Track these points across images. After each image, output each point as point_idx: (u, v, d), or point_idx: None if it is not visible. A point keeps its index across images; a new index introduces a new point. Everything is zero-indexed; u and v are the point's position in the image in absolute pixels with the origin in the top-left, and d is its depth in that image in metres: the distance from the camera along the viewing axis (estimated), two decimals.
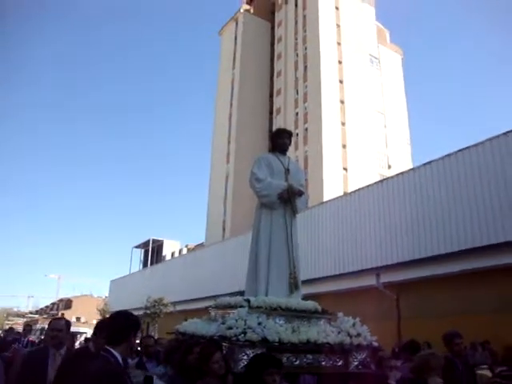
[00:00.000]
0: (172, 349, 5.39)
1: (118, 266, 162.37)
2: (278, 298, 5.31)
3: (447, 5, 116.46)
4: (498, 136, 14.25)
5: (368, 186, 19.14)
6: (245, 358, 4.44)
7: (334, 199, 21.61)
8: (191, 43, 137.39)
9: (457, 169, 15.15)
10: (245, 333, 4.55)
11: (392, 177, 18.97)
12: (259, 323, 4.72)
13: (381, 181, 19.35)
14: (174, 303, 28.96)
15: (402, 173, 18.08)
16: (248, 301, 5.18)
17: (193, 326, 5.77)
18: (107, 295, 52.11)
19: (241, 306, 5.08)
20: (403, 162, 45.67)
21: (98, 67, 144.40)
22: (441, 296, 14.82)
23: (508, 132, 13.94)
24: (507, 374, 5.01)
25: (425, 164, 16.63)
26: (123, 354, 2.99)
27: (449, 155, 15.53)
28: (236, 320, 4.71)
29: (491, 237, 13.53)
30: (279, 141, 6.16)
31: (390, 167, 46.23)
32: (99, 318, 44.05)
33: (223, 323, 4.89)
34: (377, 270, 16.97)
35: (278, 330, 4.74)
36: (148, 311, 27.75)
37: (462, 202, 14.58)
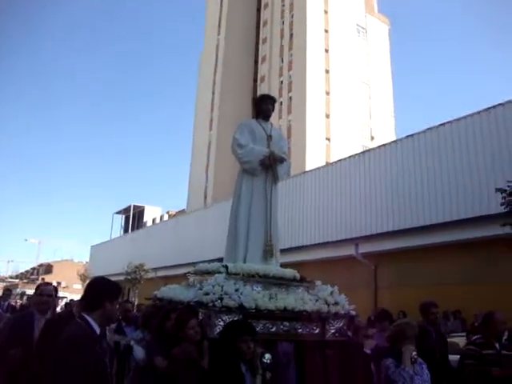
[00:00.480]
0: (150, 314, 5.38)
1: (99, 231, 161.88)
2: (256, 265, 5.29)
3: None
4: (479, 112, 14.36)
5: (350, 157, 19.18)
6: (221, 324, 4.43)
7: (315, 169, 21.62)
8: (176, 6, 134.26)
9: (437, 143, 15.26)
10: (221, 299, 4.53)
11: (374, 148, 19.05)
12: (236, 289, 4.70)
13: (363, 152, 19.42)
14: (155, 269, 29.00)
15: (384, 145, 18.15)
16: (226, 267, 5.15)
17: (171, 291, 5.74)
18: (88, 260, 52.07)
19: (219, 272, 5.05)
20: (386, 134, 45.68)
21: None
22: (417, 267, 15.09)
23: (490, 108, 14.03)
24: (481, 342, 5.09)
25: (407, 137, 16.71)
26: (98, 320, 2.91)
27: (430, 129, 15.63)
28: (213, 286, 4.68)
29: (468, 211, 13.73)
30: (263, 107, 6.05)
31: (373, 139, 46.27)
32: (80, 283, 44.15)
33: (200, 289, 4.85)
34: (356, 240, 17.19)
35: (255, 296, 4.72)
36: (129, 277, 27.77)
37: (442, 176, 14.73)
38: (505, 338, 5.76)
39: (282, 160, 5.79)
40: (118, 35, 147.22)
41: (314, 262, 17.85)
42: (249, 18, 55.87)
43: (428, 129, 15.72)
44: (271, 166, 5.68)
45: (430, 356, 4.65)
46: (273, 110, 6.13)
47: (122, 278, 26.97)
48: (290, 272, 5.48)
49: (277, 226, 5.77)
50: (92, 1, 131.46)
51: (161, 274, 29.05)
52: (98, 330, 2.89)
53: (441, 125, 15.36)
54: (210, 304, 4.51)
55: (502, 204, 10.00)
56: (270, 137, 5.85)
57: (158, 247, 32.33)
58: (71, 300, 17.27)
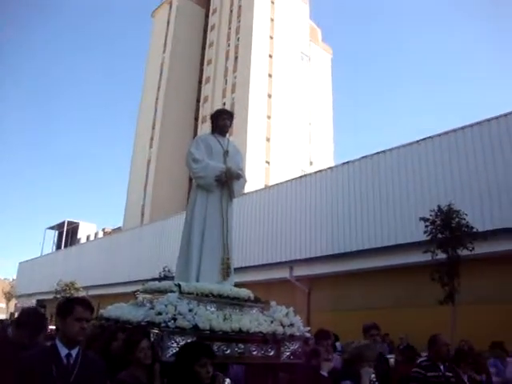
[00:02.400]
0: (94, 335, 5.03)
1: (28, 247, 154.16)
2: (210, 284, 5.08)
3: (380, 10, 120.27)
4: (411, 143, 15.06)
5: (288, 181, 19.50)
6: (174, 345, 4.19)
7: (254, 191, 21.76)
8: (122, 24, 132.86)
9: (371, 171, 15.84)
10: (175, 319, 4.28)
11: (311, 174, 19.47)
12: (190, 310, 4.47)
13: (300, 177, 19.74)
14: (88, 287, 28.01)
15: (320, 170, 18.65)
16: (179, 286, 4.91)
17: (118, 310, 5.42)
18: (15, 278, 49.55)
19: (171, 291, 4.81)
20: (325, 160, 46.68)
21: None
22: (348, 291, 15.43)
23: (420, 140, 14.72)
24: (427, 364, 5.12)
25: (343, 164, 17.22)
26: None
27: (365, 157, 16.18)
28: (166, 305, 4.43)
29: (397, 238, 14.21)
30: (219, 122, 5.91)
31: (311, 164, 47.11)
32: (4, 301, 41.73)
33: (152, 308, 4.60)
34: (291, 264, 17.40)
35: (210, 317, 4.51)
36: (58, 296, 26.59)
37: (374, 203, 15.27)
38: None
39: (238, 176, 5.65)
40: (55, 48, 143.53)
41: (252, 283, 17.73)
42: (195, 38, 56.10)
43: (363, 157, 16.31)
44: (227, 182, 5.53)
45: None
46: (230, 125, 6.02)
47: (51, 296, 25.83)
48: (244, 292, 5.31)
49: (232, 245, 5.60)
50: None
51: (93, 292, 28.07)
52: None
53: (375, 154, 15.93)
54: (163, 324, 4.25)
55: (424, 232, 10.53)
56: (226, 152, 5.71)
57: (91, 265, 31.36)
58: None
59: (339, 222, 16.00)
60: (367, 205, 15.37)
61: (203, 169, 5.52)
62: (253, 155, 42.79)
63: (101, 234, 59.09)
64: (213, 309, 4.85)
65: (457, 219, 10.27)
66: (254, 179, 40.42)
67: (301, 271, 17.15)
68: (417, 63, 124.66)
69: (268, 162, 44.36)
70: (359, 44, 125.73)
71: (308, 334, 5.25)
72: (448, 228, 10.22)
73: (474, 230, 10.22)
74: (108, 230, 60.59)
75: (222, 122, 5.90)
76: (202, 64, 55.10)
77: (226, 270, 5.37)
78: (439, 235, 10.33)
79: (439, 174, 13.91)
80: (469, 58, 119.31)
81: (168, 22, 56.93)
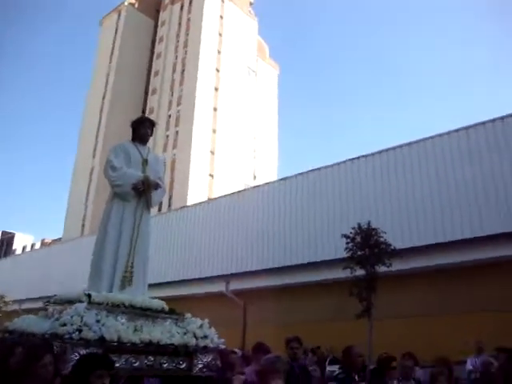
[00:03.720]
0: None
1: None
2: (122, 295, 4.95)
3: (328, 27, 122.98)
4: (352, 159, 15.43)
5: (229, 195, 19.50)
6: (77, 358, 4.03)
7: (196, 204, 21.70)
8: (69, 28, 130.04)
9: (307, 186, 16.15)
10: (80, 330, 4.13)
11: (249, 189, 19.65)
12: (97, 320, 4.33)
13: (239, 191, 19.82)
14: (21, 301, 26.90)
15: (258, 186, 18.79)
16: (89, 296, 4.76)
17: (25, 322, 5.17)
18: None
19: (80, 301, 4.65)
20: (268, 174, 47.03)
21: None
22: (283, 305, 15.49)
23: (361, 156, 15.19)
24: (343, 377, 5.16)
25: (280, 180, 17.50)
26: None
27: (301, 174, 16.56)
28: (71, 316, 4.27)
29: (324, 253, 14.57)
30: (141, 130, 5.80)
31: (255, 178, 47.39)
32: None
33: (57, 319, 4.42)
34: (227, 278, 17.33)
35: (118, 328, 4.38)
36: None
37: (309, 219, 15.55)
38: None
39: (156, 186, 5.56)
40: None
41: (189, 297, 17.57)
42: (143, 49, 55.67)
43: (299, 174, 16.58)
44: (144, 191, 5.44)
45: None
46: (151, 135, 5.94)
47: None
48: (157, 303, 5.19)
49: (143, 255, 5.45)
50: None
51: (27, 306, 26.96)
52: None
53: (310, 171, 16.32)
54: (67, 336, 4.08)
55: (345, 249, 10.81)
56: (145, 161, 5.61)
57: (25, 277, 30.14)
58: None
59: (275, 237, 16.15)
60: (302, 220, 15.65)
61: (120, 177, 5.41)
62: (197, 168, 42.69)
63: (38, 246, 57.28)
64: (123, 320, 4.69)
65: (376, 237, 10.55)
66: (198, 191, 40.30)
67: (237, 285, 17.12)
68: (363, 72, 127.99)
69: (212, 176, 44.34)
70: (305, 59, 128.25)
71: (223, 346, 5.18)
72: (367, 245, 10.50)
73: (392, 247, 10.54)
74: (48, 240, 58.75)
75: (144, 130, 5.81)
76: (148, 75, 54.66)
77: (128, 280, 5.23)
78: (359, 252, 10.59)
79: (370, 193, 14.40)
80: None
81: (116, 31, 56.24)
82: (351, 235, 10.76)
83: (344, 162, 15.48)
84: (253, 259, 16.59)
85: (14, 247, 63.51)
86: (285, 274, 15.47)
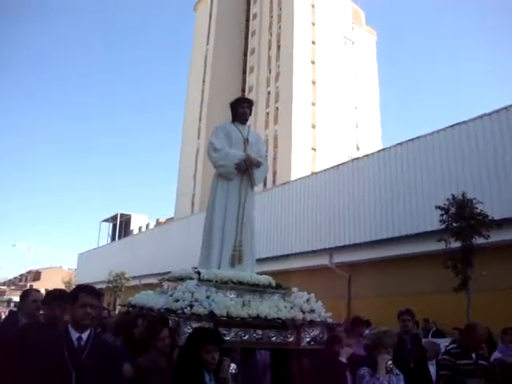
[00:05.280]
0: (121, 321, 5.24)
1: (87, 239, 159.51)
2: (229, 271, 5.15)
3: None
4: (452, 125, 14.44)
5: (334, 167, 19.20)
6: (190, 331, 4.28)
7: (300, 178, 21.63)
8: (165, 18, 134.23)
9: (406, 156, 15.43)
10: (191, 306, 4.39)
11: (357, 158, 19.12)
12: (207, 296, 4.57)
13: (343, 163, 19.46)
14: (140, 277, 28.78)
15: (367, 155, 18.25)
16: (198, 273, 5.00)
17: (144, 298, 5.62)
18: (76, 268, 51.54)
19: (191, 279, 4.91)
20: (372, 144, 45.87)
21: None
22: (387, 277, 15.10)
23: (461, 122, 14.21)
24: (456, 352, 5.01)
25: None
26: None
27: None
28: (183, 292, 4.55)
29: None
30: (240, 110, 5.93)
31: (358, 149, 46.45)
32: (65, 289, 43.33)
33: (171, 295, 4.73)
34: (330, 251, 17.25)
35: (227, 303, 4.57)
36: (110, 285, 27.57)
37: (416, 189, 14.84)
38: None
39: (258, 164, 5.65)
40: (107, 38, 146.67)
41: (293, 271, 17.77)
42: (237, 28, 55.99)
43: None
44: (247, 169, 5.56)
45: (403, 365, 4.54)
46: (250, 114, 6.02)
47: (103, 286, 26.78)
48: (264, 278, 5.34)
49: (250, 232, 5.60)
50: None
51: (145, 281, 28.79)
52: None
53: (410, 140, 15.61)
54: (180, 311, 4.37)
55: (440, 221, 10.38)
56: (246, 140, 5.73)
57: (143, 255, 32.15)
58: None
59: (382, 208, 15.71)
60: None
61: (223, 157, 5.57)
62: (298, 142, 42.62)
63: (152, 225, 60.39)
64: (232, 295, 4.91)
65: (470, 208, 10.02)
66: (301, 166, 40.29)
67: (341, 258, 17.02)
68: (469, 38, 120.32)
69: (314, 149, 44.03)
70: (405, 23, 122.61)
71: (330, 320, 5.21)
72: (462, 217, 10.00)
73: (490, 218, 9.94)
74: (162, 220, 61.70)
75: (242, 110, 5.92)
76: (245, 54, 55.07)
77: (239, 257, 5.40)
78: (454, 224, 10.11)
79: (474, 159, 13.49)
80: None
81: (210, 14, 57.10)
82: (445, 206, 10.32)
83: (444, 129, 14.61)
84: (355, 232, 16.37)
85: (131, 227, 67.43)
86: (388, 245, 15.11)
